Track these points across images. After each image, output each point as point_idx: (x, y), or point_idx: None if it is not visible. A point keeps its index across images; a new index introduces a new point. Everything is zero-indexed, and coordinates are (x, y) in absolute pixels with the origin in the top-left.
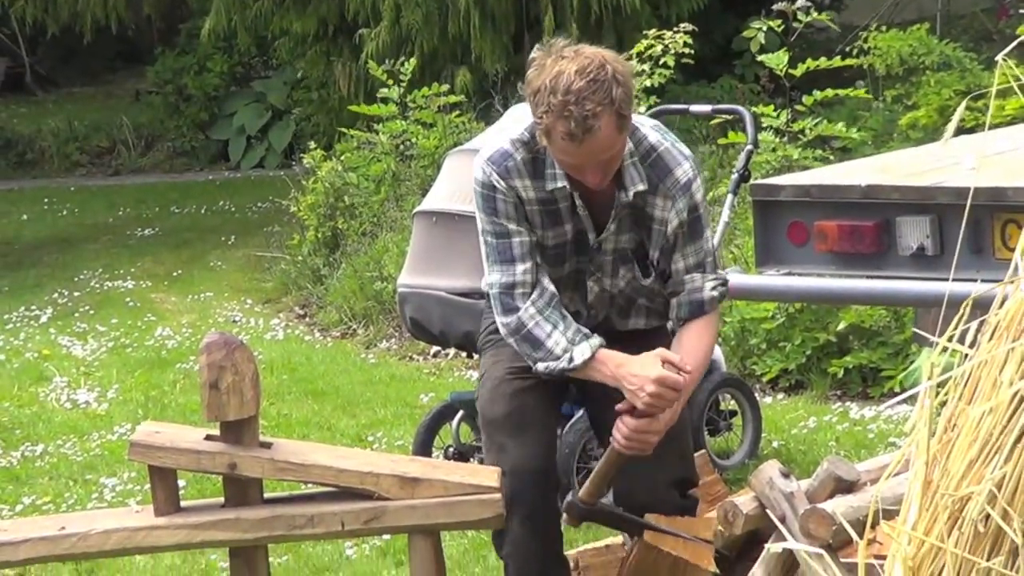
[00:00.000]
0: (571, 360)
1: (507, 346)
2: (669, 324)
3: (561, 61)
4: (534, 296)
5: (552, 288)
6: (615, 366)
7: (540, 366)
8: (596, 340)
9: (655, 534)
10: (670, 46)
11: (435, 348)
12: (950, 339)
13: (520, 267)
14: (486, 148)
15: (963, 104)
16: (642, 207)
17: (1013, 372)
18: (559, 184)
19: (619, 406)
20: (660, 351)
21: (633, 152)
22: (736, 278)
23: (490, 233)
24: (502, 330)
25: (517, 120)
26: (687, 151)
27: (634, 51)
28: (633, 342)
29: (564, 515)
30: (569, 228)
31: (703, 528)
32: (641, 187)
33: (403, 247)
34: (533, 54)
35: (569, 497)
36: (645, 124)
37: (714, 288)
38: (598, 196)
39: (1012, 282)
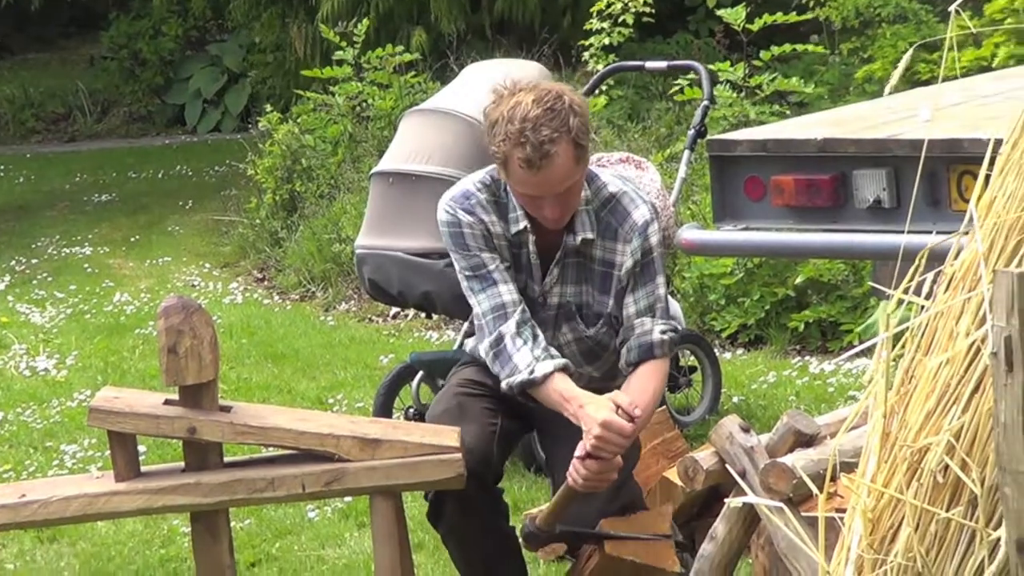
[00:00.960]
0: (532, 373)
1: (467, 366)
2: (620, 365)
3: (519, 93)
4: (517, 312)
5: (527, 311)
6: (572, 398)
7: (504, 384)
8: (561, 361)
9: (615, 543)
10: (630, 4)
11: (394, 309)
12: (906, 291)
13: (503, 288)
14: (449, 191)
15: (908, 54)
16: (595, 256)
17: (969, 322)
18: (520, 226)
19: (578, 450)
20: (615, 395)
21: (590, 200)
22: (694, 234)
23: (467, 268)
24: (483, 350)
25: (467, 82)
26: (647, 197)
27: (594, 9)
28: None
29: (524, 544)
30: (524, 277)
31: (658, 522)
32: (590, 235)
33: (361, 209)
34: (492, 89)
35: (527, 526)
36: (605, 174)
37: (664, 332)
38: (550, 243)
39: (967, 233)
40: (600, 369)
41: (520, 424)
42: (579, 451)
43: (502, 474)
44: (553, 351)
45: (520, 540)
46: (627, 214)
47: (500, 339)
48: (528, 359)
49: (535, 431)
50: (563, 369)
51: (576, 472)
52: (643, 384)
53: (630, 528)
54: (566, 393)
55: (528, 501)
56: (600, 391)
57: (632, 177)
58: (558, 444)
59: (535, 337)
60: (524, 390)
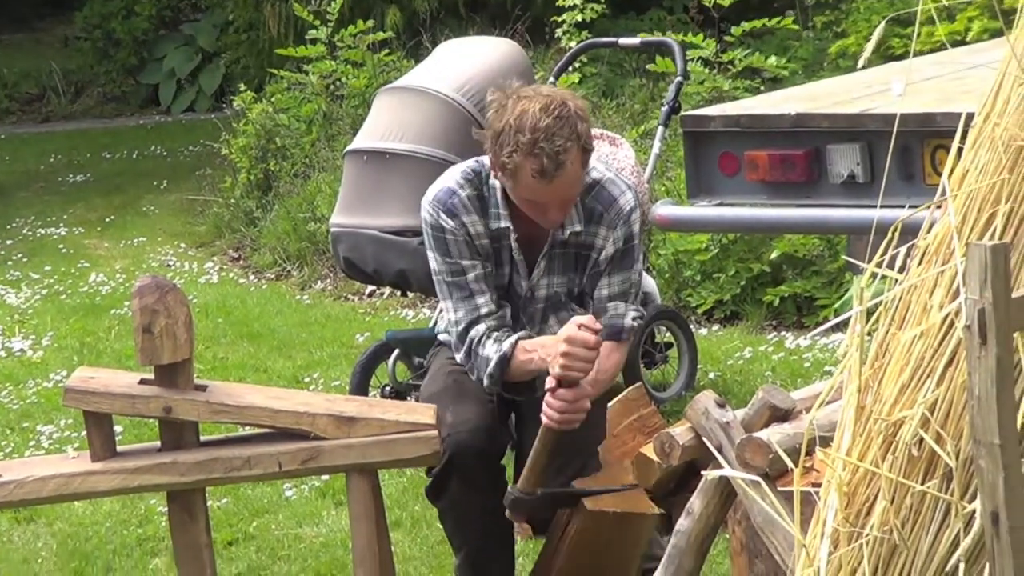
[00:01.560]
0: (501, 351)
1: (448, 348)
2: None
3: (523, 101)
4: (490, 320)
5: (508, 315)
6: (536, 345)
7: (486, 380)
8: (523, 332)
9: (594, 499)
10: None
11: (370, 287)
12: (879, 264)
13: (480, 299)
14: (432, 187)
15: (880, 26)
16: (581, 243)
17: (943, 296)
18: (502, 224)
19: (547, 382)
20: (575, 318)
21: None
22: (669, 210)
23: (445, 273)
24: (464, 363)
25: (441, 59)
26: (630, 182)
27: None
28: None
29: (509, 512)
30: (506, 272)
31: (622, 475)
32: (578, 227)
33: (335, 187)
34: (489, 96)
35: (510, 493)
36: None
37: (634, 319)
38: (534, 237)
39: (940, 205)
40: None
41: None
42: (548, 383)
43: (505, 450)
44: (511, 331)
45: (507, 511)
46: (613, 200)
47: (471, 345)
48: (495, 347)
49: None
50: (525, 337)
51: (549, 408)
52: (604, 354)
53: (600, 484)
54: (529, 346)
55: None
56: None
57: (606, 153)
58: (528, 420)
59: (504, 334)
60: (502, 371)
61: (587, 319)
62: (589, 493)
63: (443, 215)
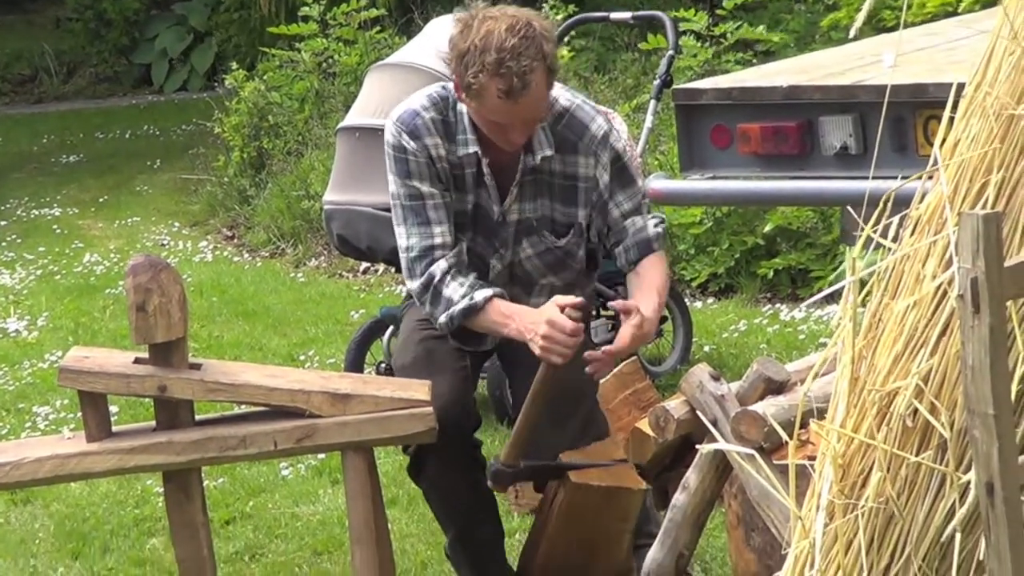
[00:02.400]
0: (471, 300)
1: (416, 307)
2: (619, 264)
3: (488, 21)
4: (449, 255)
5: (464, 252)
6: (512, 313)
7: (442, 318)
8: (498, 289)
9: (580, 472)
10: None
11: (364, 264)
12: (871, 235)
13: (437, 229)
14: (397, 108)
15: None
16: (561, 172)
17: (936, 265)
18: (470, 150)
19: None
20: (556, 298)
21: (544, 116)
22: (662, 184)
23: (404, 196)
24: (414, 292)
25: (432, 36)
26: (600, 107)
27: None
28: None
29: (491, 484)
30: (471, 199)
31: (613, 451)
32: (548, 152)
33: (328, 165)
34: (455, 16)
35: (492, 465)
36: (555, 87)
37: (657, 225)
38: (504, 164)
39: (932, 176)
40: (564, 279)
41: (483, 354)
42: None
43: (480, 420)
44: (484, 282)
45: (488, 482)
46: (584, 127)
47: (431, 280)
48: (463, 291)
49: (507, 380)
50: (500, 296)
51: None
52: (652, 275)
53: (588, 458)
54: (507, 311)
55: None
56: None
57: None
58: (519, 369)
59: (466, 274)
60: (465, 319)
61: (569, 299)
62: (573, 467)
63: (405, 135)
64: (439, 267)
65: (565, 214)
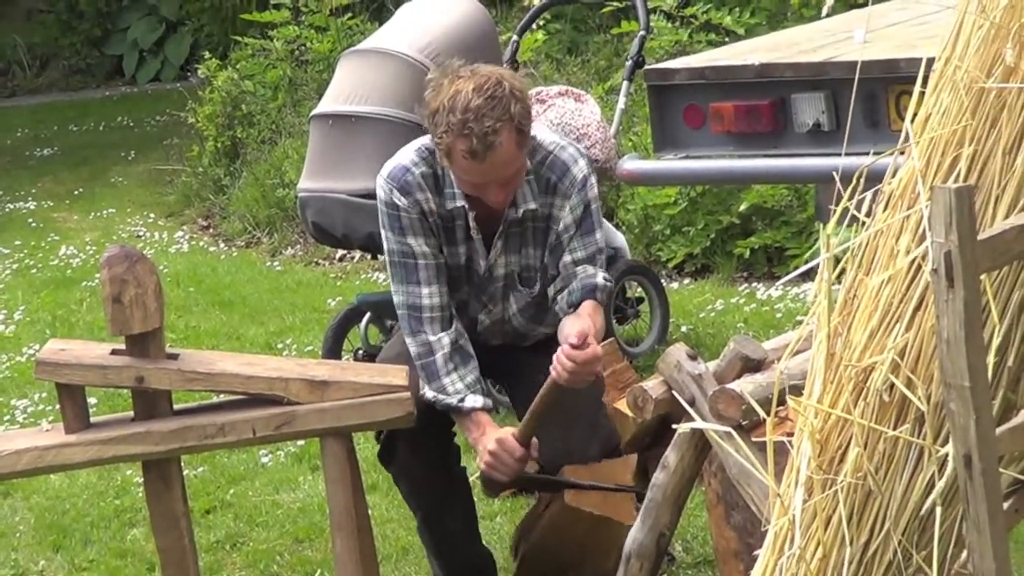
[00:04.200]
0: (461, 401)
1: None
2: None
3: (458, 81)
4: (450, 330)
5: (460, 324)
6: (479, 435)
7: (429, 394)
8: (489, 401)
9: (576, 494)
10: None
11: (340, 252)
12: (844, 211)
13: (425, 290)
14: (387, 164)
15: None
16: (539, 216)
17: (909, 240)
18: (458, 203)
19: (571, 338)
20: (506, 429)
21: (527, 163)
22: (635, 164)
23: (396, 253)
24: (413, 355)
25: (403, 21)
26: (582, 150)
27: None
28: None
29: (484, 489)
30: (463, 252)
31: (622, 471)
32: (532, 205)
33: (303, 153)
34: (430, 75)
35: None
36: (537, 126)
37: (606, 280)
38: (491, 217)
39: (903, 151)
40: (550, 325)
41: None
42: (574, 339)
43: None
44: (483, 385)
45: (480, 485)
46: (566, 168)
47: (430, 353)
48: (459, 386)
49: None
50: (487, 410)
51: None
52: (588, 314)
53: (593, 477)
54: (475, 428)
55: None
56: (551, 341)
57: (572, 110)
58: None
59: (468, 360)
60: (447, 409)
61: (515, 441)
62: (566, 485)
63: (396, 192)
64: (441, 343)
65: (536, 256)
